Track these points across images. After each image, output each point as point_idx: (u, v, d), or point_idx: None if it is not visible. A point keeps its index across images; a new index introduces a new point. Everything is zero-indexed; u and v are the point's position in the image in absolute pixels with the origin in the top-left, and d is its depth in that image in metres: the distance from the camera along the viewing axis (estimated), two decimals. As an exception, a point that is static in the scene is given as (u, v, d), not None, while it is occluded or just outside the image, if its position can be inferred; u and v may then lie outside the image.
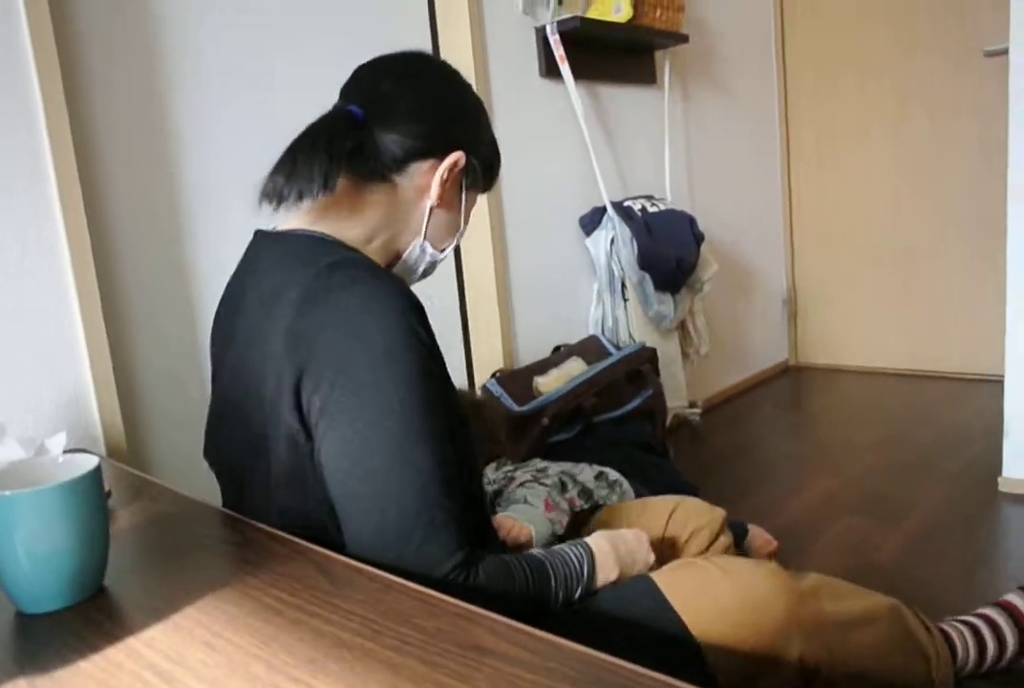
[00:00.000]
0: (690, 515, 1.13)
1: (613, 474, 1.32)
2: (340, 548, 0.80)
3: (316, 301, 0.81)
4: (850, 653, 0.94)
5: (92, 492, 0.72)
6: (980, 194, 2.96)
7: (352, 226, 0.92)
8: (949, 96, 3.04)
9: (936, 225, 3.15)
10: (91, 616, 0.69)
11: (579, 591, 0.88)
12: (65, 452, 1.07)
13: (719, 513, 1.15)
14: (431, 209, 0.94)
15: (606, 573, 0.91)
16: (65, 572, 0.70)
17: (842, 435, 2.61)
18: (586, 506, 1.31)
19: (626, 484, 1.32)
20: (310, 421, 0.79)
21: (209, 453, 1.03)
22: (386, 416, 0.76)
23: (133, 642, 0.64)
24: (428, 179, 0.93)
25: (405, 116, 0.91)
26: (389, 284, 0.82)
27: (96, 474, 0.73)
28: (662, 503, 1.15)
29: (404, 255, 0.98)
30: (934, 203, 3.14)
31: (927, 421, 2.65)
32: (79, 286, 1.32)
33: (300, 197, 0.85)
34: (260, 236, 0.97)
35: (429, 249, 0.98)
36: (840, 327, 3.45)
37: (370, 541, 0.77)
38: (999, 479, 2.02)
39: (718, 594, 0.91)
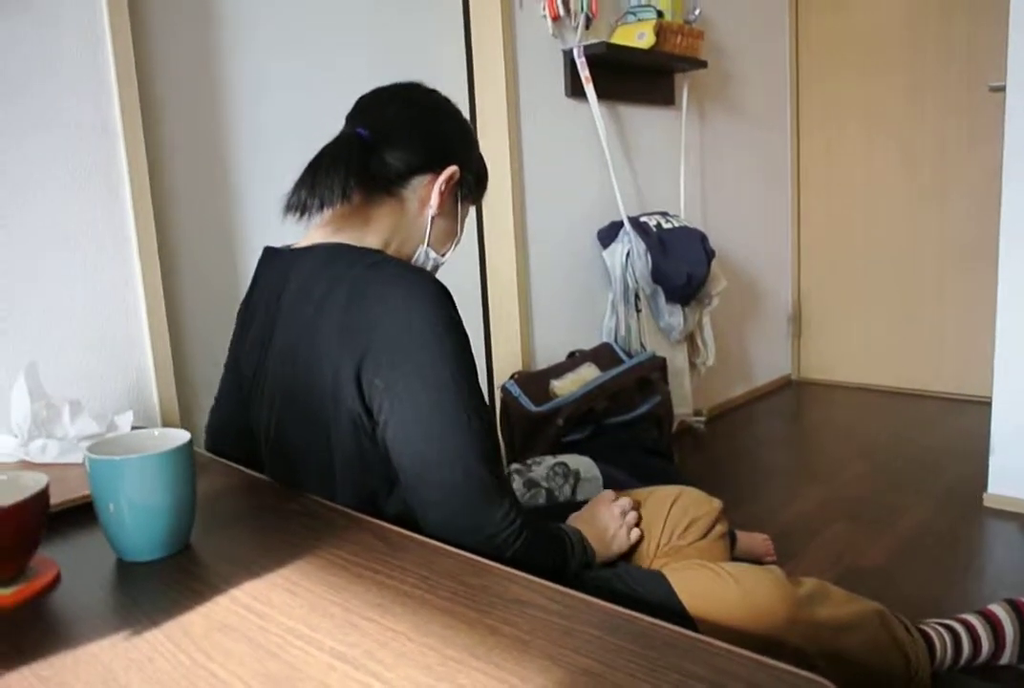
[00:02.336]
0: (690, 504, 1.22)
1: (575, 464, 1.40)
2: (391, 518, 0.92)
3: (364, 296, 0.92)
4: (839, 653, 1.06)
5: (185, 461, 0.84)
6: (981, 224, 3.07)
7: (368, 235, 1.04)
8: (956, 127, 3.15)
9: (937, 252, 3.26)
10: (184, 566, 0.81)
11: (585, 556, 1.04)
12: (133, 429, 1.19)
13: (717, 504, 1.25)
14: (432, 218, 1.07)
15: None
16: (161, 527, 0.82)
17: (837, 448, 2.72)
18: (540, 499, 1.42)
19: (591, 473, 1.40)
20: (372, 402, 0.91)
21: (223, 439, 1.17)
22: (443, 390, 0.89)
23: (224, 587, 0.76)
24: (428, 191, 1.05)
25: (406, 137, 1.03)
26: (426, 278, 0.94)
27: (189, 447, 0.85)
28: (665, 493, 1.24)
29: (412, 259, 1.10)
30: (937, 231, 3.25)
31: (919, 438, 2.76)
32: (146, 283, 1.45)
33: (322, 207, 0.97)
34: (279, 252, 1.09)
35: (432, 254, 1.10)
36: (841, 345, 3.56)
37: (441, 496, 0.89)
38: (984, 495, 2.12)
39: (726, 597, 1.02)
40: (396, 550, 0.83)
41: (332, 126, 1.89)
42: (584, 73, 2.39)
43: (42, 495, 0.77)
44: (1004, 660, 1.31)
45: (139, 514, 0.81)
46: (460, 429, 0.89)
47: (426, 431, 0.89)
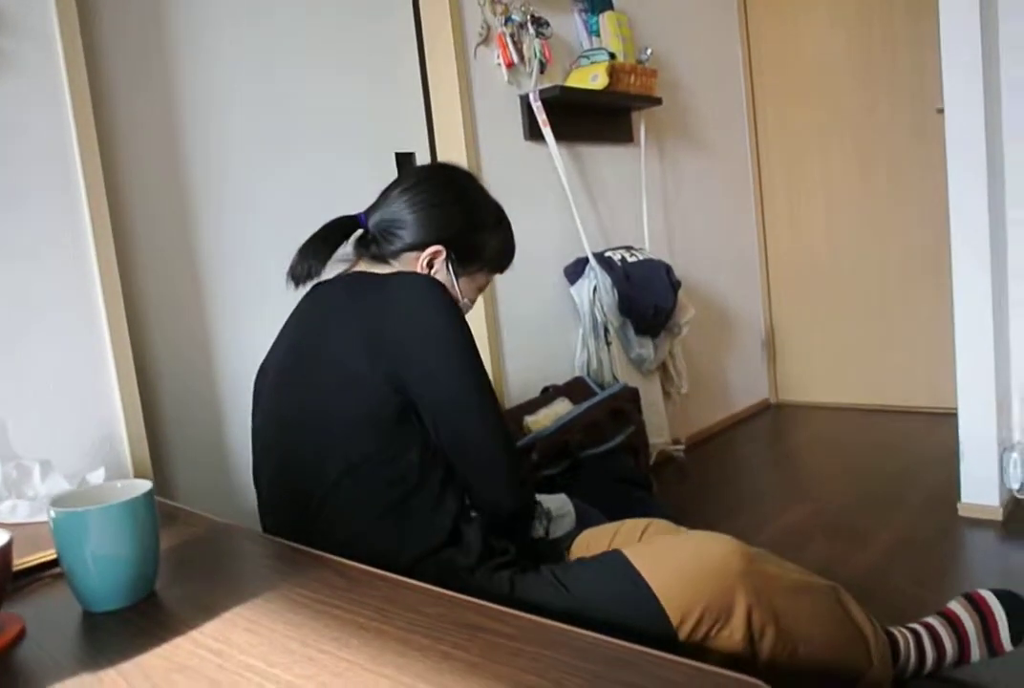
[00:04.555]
0: (656, 533, 1.26)
1: (548, 503, 1.41)
2: (380, 479, 1.07)
3: (385, 304, 1.08)
4: (792, 617, 1.08)
5: (147, 509, 0.86)
6: (939, 241, 3.14)
7: None
8: (908, 150, 3.25)
9: (901, 272, 3.33)
10: (148, 613, 0.83)
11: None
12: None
13: (684, 531, 1.28)
14: None
15: None
16: (125, 576, 0.83)
17: (817, 466, 2.75)
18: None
19: (564, 510, 1.41)
20: (410, 385, 1.06)
21: (271, 453, 1.20)
22: (462, 371, 1.08)
23: (186, 630, 0.77)
24: (415, 265, 1.21)
25: (400, 226, 1.21)
26: (431, 280, 1.11)
27: (150, 495, 0.87)
28: (635, 523, 1.29)
29: None
30: (899, 250, 3.33)
31: (895, 452, 2.80)
32: (113, 342, 1.48)
33: (307, 278, 1.20)
34: (312, 291, 1.24)
35: None
36: (816, 367, 3.61)
37: (469, 451, 1.09)
38: (958, 504, 2.15)
39: (678, 556, 1.07)
40: (356, 585, 0.85)
41: (291, 177, 1.94)
42: (541, 117, 2.47)
43: (3, 552, 0.78)
44: (975, 657, 1.30)
45: (103, 564, 0.82)
46: (484, 414, 1.09)
47: (458, 410, 1.08)
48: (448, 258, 1.22)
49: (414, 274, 1.14)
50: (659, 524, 1.31)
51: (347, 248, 1.26)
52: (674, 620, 1.01)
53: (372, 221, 1.23)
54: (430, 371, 1.06)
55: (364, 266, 1.24)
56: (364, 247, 1.24)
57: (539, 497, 1.59)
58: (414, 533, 1.07)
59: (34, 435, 1.38)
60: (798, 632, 1.08)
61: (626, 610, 1.02)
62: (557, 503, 1.55)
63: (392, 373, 1.05)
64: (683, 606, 1.01)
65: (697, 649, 1.04)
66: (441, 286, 1.11)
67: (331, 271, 1.24)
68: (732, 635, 1.03)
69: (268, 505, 1.20)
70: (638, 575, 1.04)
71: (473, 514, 1.13)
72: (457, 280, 1.24)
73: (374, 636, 0.73)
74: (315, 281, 1.22)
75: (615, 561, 1.08)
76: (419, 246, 1.20)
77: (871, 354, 3.45)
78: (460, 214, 1.24)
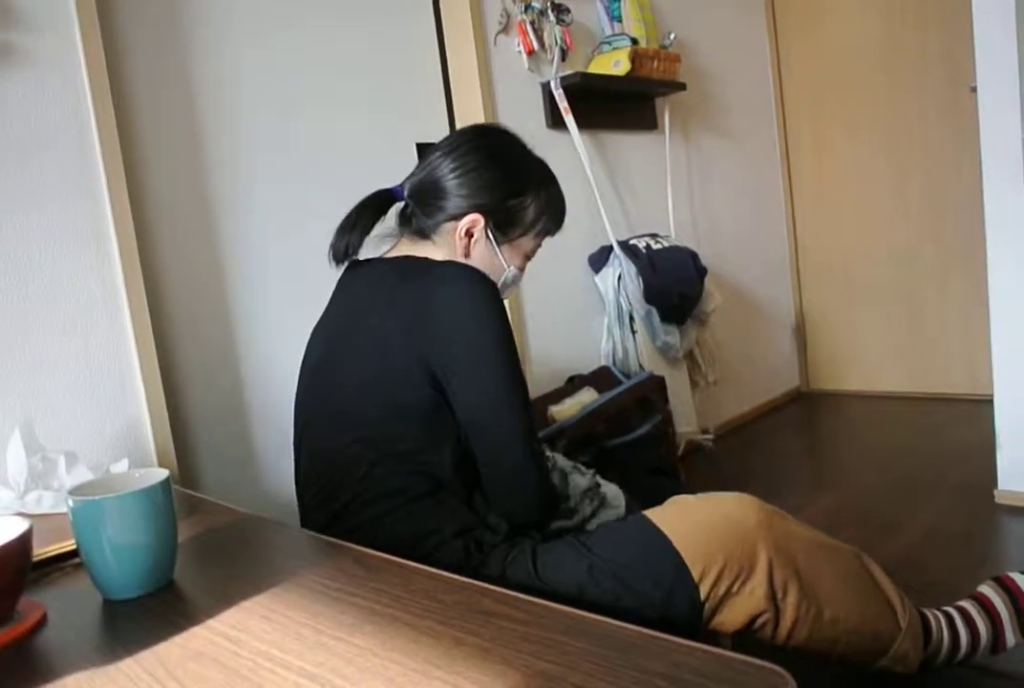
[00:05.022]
0: None
1: (605, 489, 1.39)
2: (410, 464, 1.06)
3: (428, 300, 1.07)
4: (815, 576, 1.07)
5: (164, 497, 0.86)
6: (975, 224, 3.07)
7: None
8: (943, 129, 3.17)
9: (935, 253, 3.26)
10: (166, 601, 0.83)
11: None
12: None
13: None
14: (467, 255, 1.20)
15: None
16: (143, 564, 0.84)
17: (849, 455, 2.71)
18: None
19: (616, 502, 1.40)
20: (443, 381, 1.06)
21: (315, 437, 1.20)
22: (494, 371, 1.06)
23: (204, 618, 0.77)
24: (454, 236, 1.18)
25: (433, 196, 1.18)
26: (480, 276, 1.08)
27: (167, 483, 0.87)
28: None
29: None
30: (932, 231, 3.25)
31: (930, 440, 2.74)
32: (136, 333, 1.49)
33: (341, 257, 1.19)
34: (360, 263, 1.23)
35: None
36: (848, 354, 3.55)
37: (493, 455, 1.07)
38: (995, 492, 2.10)
39: (697, 513, 1.08)
40: (374, 573, 0.84)
41: (312, 169, 1.94)
42: (563, 104, 2.44)
43: (23, 539, 0.79)
44: (1010, 642, 1.26)
45: (120, 552, 0.83)
46: (508, 403, 1.06)
47: (483, 403, 1.06)
48: (487, 226, 1.18)
49: (461, 268, 1.11)
50: None
51: (387, 223, 1.24)
52: (695, 573, 1.01)
53: (408, 189, 1.21)
54: (467, 374, 1.06)
55: (407, 245, 1.22)
56: (406, 223, 1.22)
57: (599, 480, 1.58)
58: (443, 519, 1.06)
59: (59, 427, 1.40)
60: (821, 592, 1.07)
61: (647, 565, 1.02)
62: (612, 492, 1.53)
63: (429, 370, 1.05)
64: (704, 559, 1.01)
65: (713, 635, 1.04)
66: (488, 282, 1.09)
67: (371, 248, 1.23)
68: (754, 591, 1.03)
69: (304, 483, 1.20)
70: (658, 530, 1.04)
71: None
72: (499, 248, 1.20)
73: (388, 623, 0.72)
74: (355, 258, 1.20)
75: (635, 520, 1.09)
76: (457, 216, 1.17)
77: (905, 340, 3.38)
78: (497, 178, 1.18)
